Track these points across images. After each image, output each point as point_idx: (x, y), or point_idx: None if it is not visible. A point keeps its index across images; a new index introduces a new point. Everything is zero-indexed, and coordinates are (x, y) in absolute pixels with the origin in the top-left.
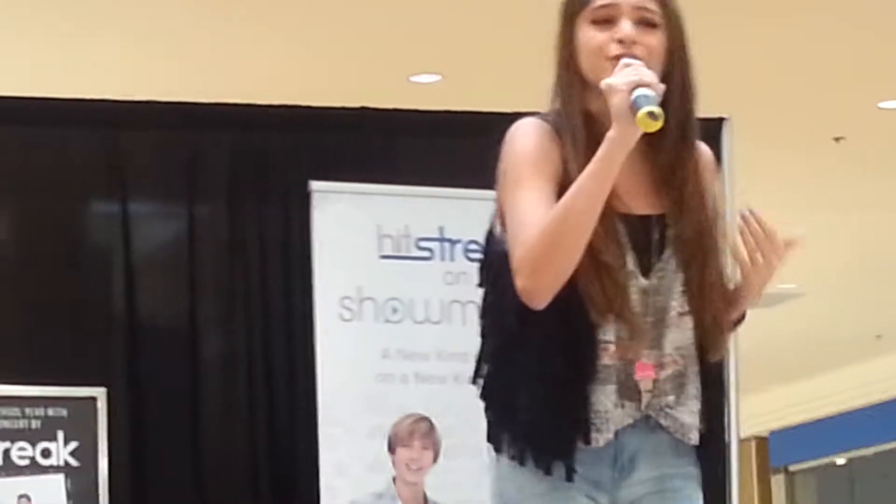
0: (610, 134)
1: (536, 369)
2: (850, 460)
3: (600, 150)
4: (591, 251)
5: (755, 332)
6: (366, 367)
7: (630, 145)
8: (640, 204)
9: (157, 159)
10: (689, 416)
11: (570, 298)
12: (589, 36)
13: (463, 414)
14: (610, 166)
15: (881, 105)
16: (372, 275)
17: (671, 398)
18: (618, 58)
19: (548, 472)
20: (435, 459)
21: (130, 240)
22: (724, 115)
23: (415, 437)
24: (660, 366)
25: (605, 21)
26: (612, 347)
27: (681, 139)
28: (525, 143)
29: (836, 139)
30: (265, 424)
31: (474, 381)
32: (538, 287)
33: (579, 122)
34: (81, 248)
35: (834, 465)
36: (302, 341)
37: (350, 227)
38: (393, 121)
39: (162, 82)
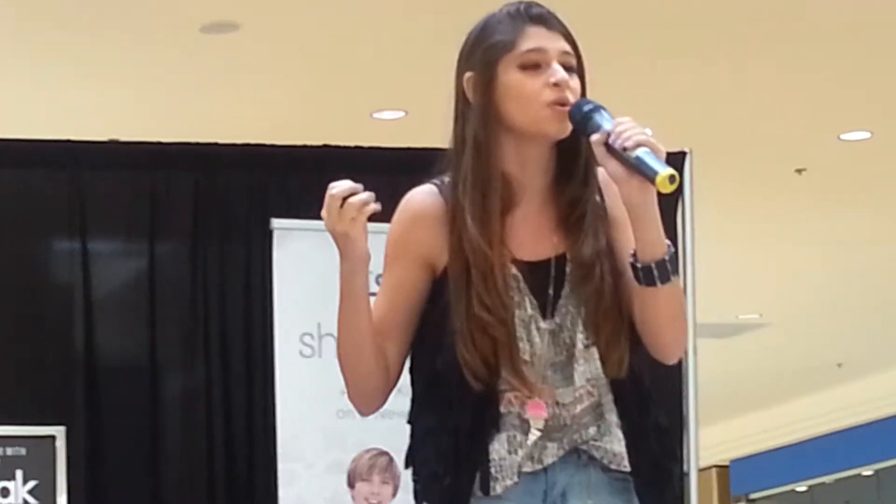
0: (347, 267)
1: (438, 427)
2: (810, 488)
3: (342, 282)
4: (468, 314)
5: (718, 361)
6: (325, 403)
7: (357, 272)
8: (536, 249)
9: (119, 198)
10: (616, 443)
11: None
12: (518, 81)
13: None
14: (350, 291)
15: (842, 137)
16: (332, 312)
17: (592, 429)
18: (555, 103)
19: None
20: (394, 494)
21: (91, 278)
22: (685, 149)
23: (374, 471)
24: (574, 400)
25: (534, 66)
26: (507, 395)
27: (586, 181)
28: (393, 228)
29: (798, 171)
30: (224, 461)
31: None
32: (353, 402)
33: (497, 173)
34: (42, 286)
35: (795, 492)
36: (262, 378)
37: (311, 264)
38: (355, 158)
39: (123, 122)
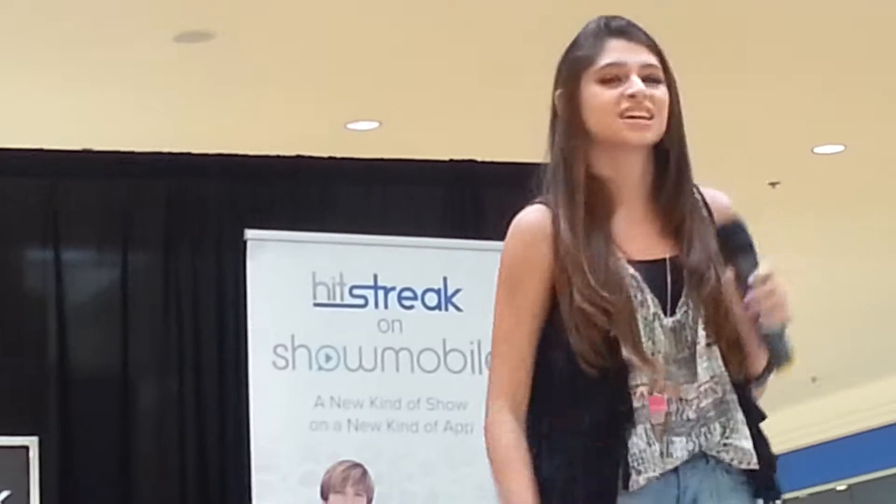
0: None
1: (568, 429)
2: (784, 502)
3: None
4: (572, 310)
5: None
6: (299, 414)
7: None
8: (649, 250)
9: (92, 208)
10: (745, 441)
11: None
12: (596, 93)
13: (396, 461)
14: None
15: (816, 150)
16: (306, 323)
17: (718, 427)
18: (628, 115)
19: None
20: None
21: (64, 288)
22: None
23: (348, 483)
24: (698, 396)
25: (614, 79)
26: (640, 390)
27: (679, 187)
28: (509, 253)
29: (772, 184)
30: (197, 472)
31: None
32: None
33: (581, 181)
34: (15, 295)
35: None
36: (235, 389)
37: (284, 275)
38: (328, 169)
39: (97, 131)
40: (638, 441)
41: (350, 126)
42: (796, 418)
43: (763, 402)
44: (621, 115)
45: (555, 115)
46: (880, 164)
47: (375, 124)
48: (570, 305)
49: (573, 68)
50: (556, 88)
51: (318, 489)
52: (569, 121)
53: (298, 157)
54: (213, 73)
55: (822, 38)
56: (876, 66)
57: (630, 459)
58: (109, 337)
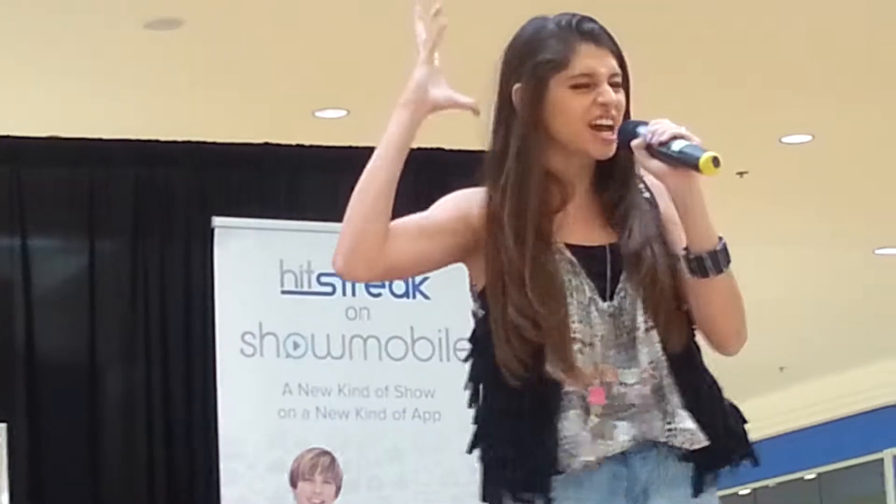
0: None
1: (502, 410)
2: (753, 491)
3: (399, 117)
4: (504, 320)
5: None
6: (267, 402)
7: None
8: (589, 237)
9: (59, 194)
10: (688, 421)
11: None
12: (567, 98)
13: (364, 448)
14: (401, 132)
15: (784, 140)
16: (273, 310)
17: (658, 413)
18: (598, 125)
19: None
20: (336, 493)
21: (31, 275)
22: None
23: (316, 470)
24: (640, 381)
25: (584, 85)
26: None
27: (625, 183)
28: (452, 194)
29: (740, 174)
30: (165, 459)
31: (470, 449)
32: (339, 255)
33: (538, 177)
34: None
35: (738, 496)
36: (203, 377)
37: (252, 262)
38: (296, 156)
39: (64, 118)
40: (569, 425)
41: (318, 114)
42: (765, 408)
43: (731, 392)
44: (590, 124)
45: (510, 107)
46: (848, 154)
47: (343, 112)
48: (501, 316)
49: (541, 70)
50: (512, 80)
51: (286, 477)
52: (528, 120)
53: (266, 144)
54: (181, 60)
55: (789, 29)
56: (843, 56)
57: (562, 443)
58: (77, 324)
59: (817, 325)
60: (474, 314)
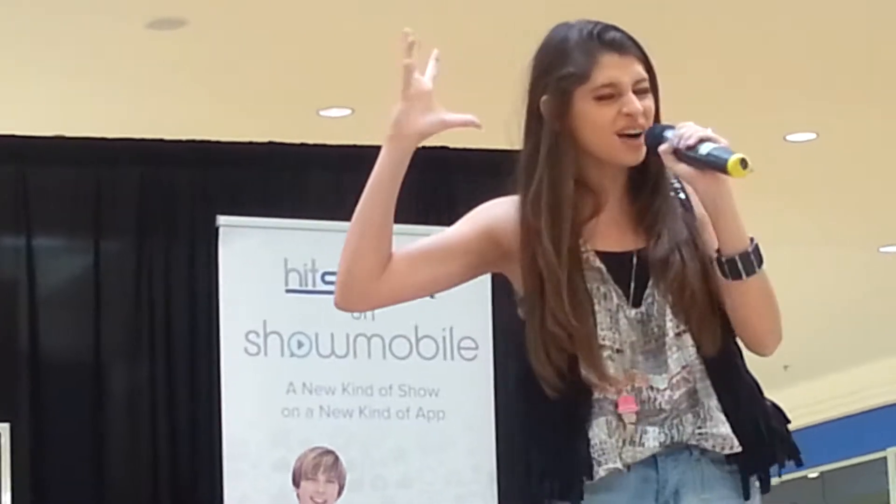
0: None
1: (538, 424)
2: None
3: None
4: (542, 329)
5: None
6: (271, 400)
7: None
8: (618, 244)
9: (64, 194)
10: (721, 426)
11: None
12: (592, 111)
13: (368, 447)
14: (388, 167)
15: (788, 138)
16: (278, 309)
17: (691, 416)
18: (626, 134)
19: None
20: (340, 493)
21: (36, 274)
22: None
23: (319, 470)
24: (670, 387)
25: (608, 97)
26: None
27: (657, 189)
28: (478, 207)
29: None
30: (169, 459)
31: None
32: (336, 290)
33: (569, 187)
34: None
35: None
36: (207, 375)
37: (256, 261)
38: (301, 155)
39: (69, 117)
40: (598, 432)
41: (322, 113)
42: None
43: None
44: (618, 133)
45: (538, 118)
46: (853, 152)
47: (348, 111)
48: (539, 325)
49: (565, 83)
50: (540, 92)
51: (289, 476)
52: (558, 132)
53: (271, 143)
54: (185, 59)
55: (794, 27)
56: (847, 54)
57: (591, 451)
58: (81, 323)
59: (821, 323)
60: (521, 318)
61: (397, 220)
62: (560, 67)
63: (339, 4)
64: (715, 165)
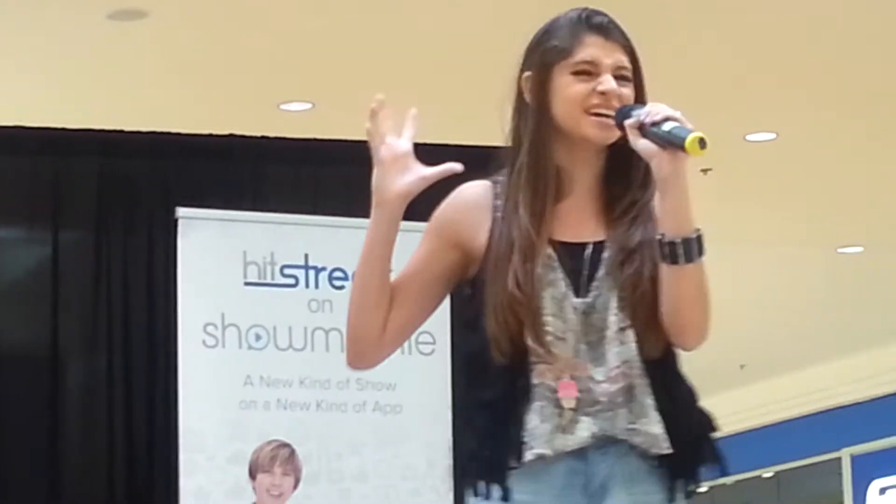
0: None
1: (473, 406)
2: (711, 488)
3: (373, 222)
4: (504, 290)
5: None
6: (228, 393)
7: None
8: (576, 233)
9: (22, 184)
10: (655, 426)
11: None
12: (568, 84)
13: (324, 441)
14: (377, 232)
15: (748, 137)
16: (236, 301)
17: (625, 412)
18: (597, 113)
19: (488, 496)
20: (296, 486)
21: None
22: None
23: (276, 463)
24: (608, 380)
25: (586, 73)
26: (539, 367)
27: (643, 184)
28: (440, 209)
29: (704, 171)
30: (125, 451)
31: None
32: (347, 357)
33: (551, 171)
34: None
35: (695, 493)
36: (164, 368)
37: (215, 253)
38: (261, 148)
39: (28, 107)
40: (534, 417)
41: (283, 107)
42: (724, 405)
43: None
44: (587, 111)
45: (521, 98)
46: (812, 152)
47: (308, 105)
48: (503, 288)
49: (547, 57)
50: (523, 70)
51: (246, 468)
52: (538, 108)
53: (231, 135)
54: (146, 50)
55: (753, 26)
56: (808, 53)
57: (523, 435)
58: (39, 315)
59: (778, 323)
60: (460, 294)
61: (357, 215)
62: (545, 43)
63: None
64: (674, 141)
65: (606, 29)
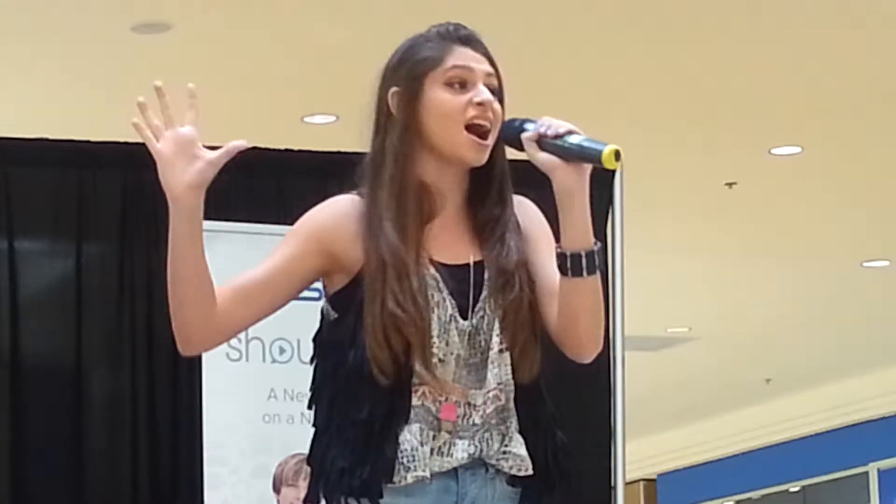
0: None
1: (345, 423)
2: (737, 503)
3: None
4: (382, 311)
5: (647, 374)
6: (252, 407)
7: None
8: (455, 254)
9: (47, 197)
10: (520, 447)
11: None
12: (442, 99)
13: None
14: (178, 230)
15: (773, 151)
16: None
17: (497, 435)
18: (474, 125)
19: None
20: None
21: (17, 277)
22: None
23: (300, 476)
24: (485, 402)
25: (459, 83)
26: (421, 389)
27: (502, 199)
28: (309, 213)
29: (729, 185)
30: (149, 464)
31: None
32: (179, 343)
33: (415, 187)
34: None
35: None
36: (188, 381)
37: (239, 266)
38: (285, 161)
39: (53, 120)
40: (411, 438)
41: (306, 119)
42: (751, 420)
43: (718, 404)
44: (467, 125)
45: (387, 114)
46: (837, 166)
47: (332, 118)
48: (381, 307)
49: (416, 68)
50: (388, 85)
51: (270, 482)
52: (406, 123)
53: (255, 148)
54: (169, 64)
55: (779, 38)
56: (833, 68)
57: (400, 455)
58: (63, 328)
59: (804, 337)
60: (325, 316)
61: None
62: (412, 58)
63: (326, 12)
64: (587, 155)
65: (474, 41)
